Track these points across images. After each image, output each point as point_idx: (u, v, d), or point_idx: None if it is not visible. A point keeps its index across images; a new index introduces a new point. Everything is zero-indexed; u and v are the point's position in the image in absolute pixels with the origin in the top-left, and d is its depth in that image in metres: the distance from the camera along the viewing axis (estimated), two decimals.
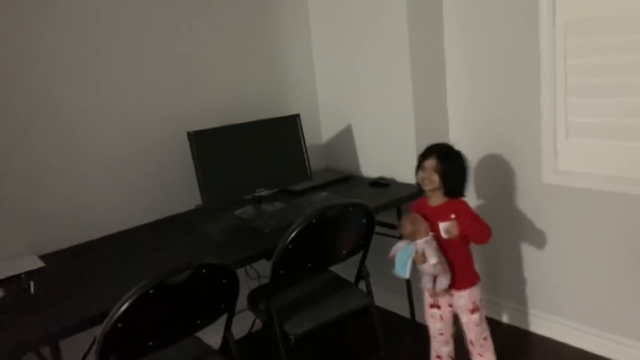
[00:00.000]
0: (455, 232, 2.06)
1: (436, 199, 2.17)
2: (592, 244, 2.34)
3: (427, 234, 2.10)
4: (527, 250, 2.58)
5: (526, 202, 2.52)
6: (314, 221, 1.93)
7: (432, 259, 2.08)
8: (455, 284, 2.18)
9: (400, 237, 2.61)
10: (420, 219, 2.12)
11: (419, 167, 2.16)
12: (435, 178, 2.11)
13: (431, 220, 2.13)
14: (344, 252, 2.14)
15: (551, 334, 2.58)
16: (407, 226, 2.11)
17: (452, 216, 2.11)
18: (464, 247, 2.19)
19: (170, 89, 2.52)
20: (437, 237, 2.12)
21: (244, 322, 2.72)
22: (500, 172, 2.57)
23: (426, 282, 2.19)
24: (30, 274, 1.92)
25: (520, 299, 2.67)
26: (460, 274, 2.17)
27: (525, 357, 2.50)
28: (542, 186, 2.44)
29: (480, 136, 2.57)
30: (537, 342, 2.59)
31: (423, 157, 2.17)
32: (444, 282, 2.15)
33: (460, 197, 2.17)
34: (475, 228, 2.11)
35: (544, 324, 2.60)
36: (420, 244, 2.08)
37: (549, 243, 2.49)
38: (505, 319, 2.75)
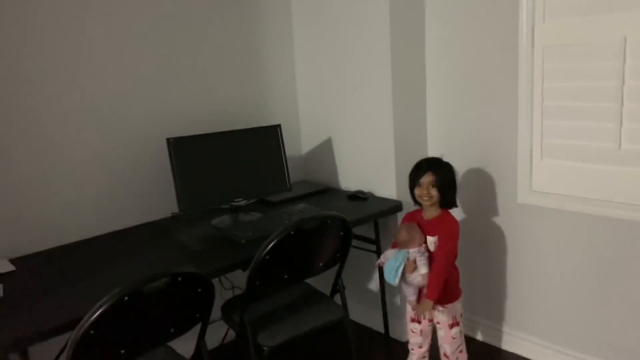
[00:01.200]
0: (433, 248, 2.16)
1: (430, 213, 2.22)
2: (563, 264, 2.39)
3: (420, 244, 2.14)
4: (501, 269, 2.62)
5: (501, 221, 2.57)
6: (292, 232, 1.93)
7: (423, 269, 2.12)
8: (440, 300, 2.20)
9: (377, 252, 2.65)
10: (416, 228, 2.17)
11: (416, 184, 2.20)
12: (435, 192, 2.17)
13: (424, 232, 2.18)
14: (320, 264, 2.14)
15: (522, 351, 2.61)
16: (403, 233, 2.14)
17: (437, 231, 2.18)
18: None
19: (150, 95, 2.50)
20: (427, 250, 2.17)
21: (216, 333, 2.70)
22: (476, 190, 2.61)
23: (410, 294, 2.21)
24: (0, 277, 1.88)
25: (493, 317, 2.70)
26: (445, 289, 2.20)
27: None
28: (516, 205, 2.49)
29: (458, 154, 2.61)
30: (509, 359, 2.62)
31: (419, 173, 2.20)
32: None
33: (454, 206, 2.24)
34: (439, 251, 2.15)
35: (515, 341, 2.64)
36: (412, 253, 2.12)
37: (523, 262, 2.53)
38: (478, 335, 2.78)
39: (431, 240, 2.18)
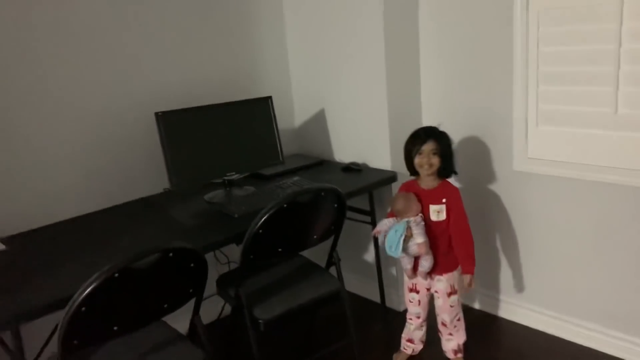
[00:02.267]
0: (444, 215, 2.17)
1: (430, 182, 2.21)
2: (560, 230, 2.38)
3: (417, 214, 2.12)
4: (498, 237, 2.61)
5: (497, 189, 2.55)
6: (285, 206, 1.91)
7: (419, 238, 2.12)
8: (437, 269, 2.21)
9: (371, 223, 2.64)
10: (413, 198, 2.16)
11: (417, 152, 2.17)
12: (436, 160, 2.16)
13: (423, 202, 2.17)
14: (315, 237, 2.12)
15: (520, 319, 2.62)
16: (400, 202, 2.14)
17: (444, 200, 2.18)
18: (449, 232, 2.23)
19: (139, 69, 2.45)
20: (425, 220, 2.15)
21: (214, 307, 2.70)
22: (472, 158, 2.58)
23: (406, 263, 2.21)
24: None
25: (490, 285, 2.70)
26: (443, 259, 2.21)
27: (493, 341, 2.54)
28: (512, 173, 2.46)
29: (453, 122, 2.56)
30: (506, 326, 2.63)
31: (419, 141, 2.18)
32: (426, 264, 2.19)
33: (454, 175, 2.24)
34: (461, 221, 2.20)
35: (512, 309, 2.64)
36: (409, 222, 2.11)
37: (519, 229, 2.52)
38: (476, 304, 2.79)
39: (435, 208, 2.18)
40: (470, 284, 2.20)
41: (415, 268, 2.23)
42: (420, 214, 2.15)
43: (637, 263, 2.18)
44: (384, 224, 2.21)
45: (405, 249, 2.15)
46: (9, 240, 2.03)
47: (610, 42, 2.05)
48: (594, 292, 2.34)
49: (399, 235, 2.11)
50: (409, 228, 2.12)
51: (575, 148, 2.25)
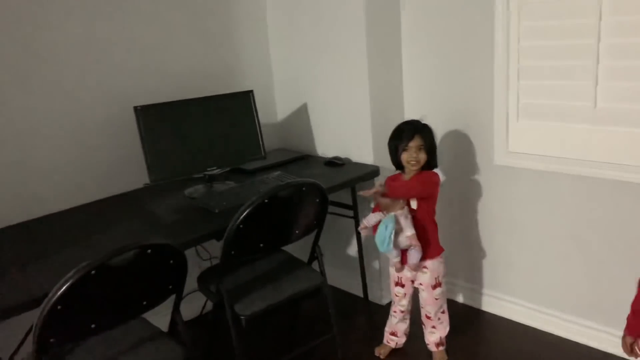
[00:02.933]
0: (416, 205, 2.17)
1: (411, 175, 2.21)
2: (540, 224, 2.40)
3: (402, 207, 2.13)
4: (480, 230, 2.62)
5: (478, 183, 2.56)
6: (266, 201, 1.90)
7: (408, 231, 2.12)
8: (423, 257, 2.21)
9: (354, 218, 2.63)
10: None
11: (404, 148, 2.16)
12: (423, 156, 2.16)
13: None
14: (297, 232, 2.11)
15: (502, 312, 2.64)
16: (384, 199, 2.12)
17: None
18: (431, 219, 2.24)
19: (118, 63, 2.41)
20: (410, 211, 2.16)
21: (196, 303, 2.68)
22: (453, 152, 2.59)
23: (393, 256, 2.21)
24: None
25: (473, 279, 2.72)
26: (427, 245, 2.21)
27: (475, 334, 2.56)
28: (493, 167, 2.47)
29: (435, 116, 2.54)
30: (488, 319, 2.65)
31: (405, 138, 2.17)
32: (416, 255, 2.18)
33: (435, 167, 2.24)
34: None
35: (495, 302, 2.66)
36: (397, 215, 2.11)
37: (500, 223, 2.54)
38: (459, 298, 2.81)
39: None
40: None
41: (403, 261, 2.24)
42: (406, 207, 2.15)
43: (615, 256, 2.21)
44: (370, 219, 2.21)
45: (395, 243, 2.15)
46: None
47: (590, 37, 2.06)
48: (573, 285, 2.36)
49: (390, 230, 2.11)
50: (397, 222, 2.12)
51: (555, 142, 2.26)
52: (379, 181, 2.21)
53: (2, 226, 2.09)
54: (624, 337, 1.70)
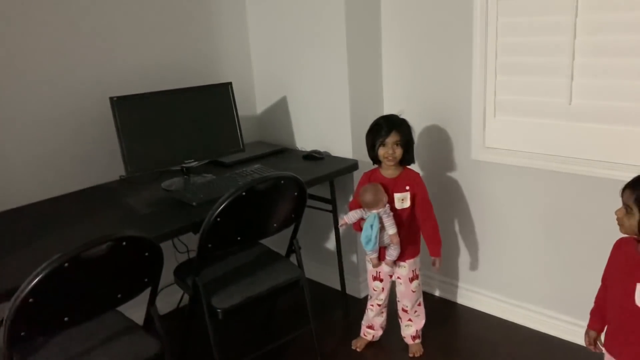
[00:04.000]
0: (408, 202, 2.19)
1: (392, 171, 2.22)
2: (516, 218, 2.43)
3: (385, 205, 2.13)
4: (456, 225, 2.65)
5: (455, 177, 2.58)
6: (243, 194, 1.89)
7: (391, 229, 2.13)
8: (401, 256, 2.23)
9: (332, 212, 2.63)
10: (382, 189, 2.15)
11: (381, 144, 2.16)
12: (399, 151, 2.17)
13: (388, 191, 2.18)
14: (274, 225, 2.10)
15: (478, 305, 2.68)
16: (369, 195, 2.12)
17: (407, 187, 2.20)
18: (414, 219, 2.25)
19: (94, 51, 2.37)
20: (392, 208, 2.16)
21: (173, 296, 2.66)
22: (431, 146, 2.61)
23: (372, 253, 2.21)
24: None
25: (449, 272, 2.74)
26: (408, 245, 2.23)
27: (451, 327, 2.59)
28: (470, 162, 2.50)
29: (414, 111, 2.56)
30: (463, 312, 2.68)
31: (382, 133, 2.17)
32: (394, 253, 2.20)
33: (413, 163, 2.26)
34: (426, 205, 2.24)
35: (471, 295, 2.70)
36: (379, 213, 2.11)
37: (477, 218, 2.57)
38: (435, 292, 2.83)
39: (399, 196, 2.19)
40: (438, 266, 2.27)
41: (380, 257, 2.24)
42: (387, 205, 2.16)
43: (586, 250, 2.24)
44: (351, 217, 2.21)
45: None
46: None
47: (566, 34, 2.08)
48: (547, 279, 2.40)
49: (376, 230, 2.11)
50: (379, 220, 2.13)
51: (530, 138, 2.29)
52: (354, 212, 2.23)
53: None
54: (587, 331, 1.74)
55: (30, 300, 1.41)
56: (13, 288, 1.44)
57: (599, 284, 1.73)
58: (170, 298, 2.62)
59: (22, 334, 1.45)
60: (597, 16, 2.02)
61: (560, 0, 2.07)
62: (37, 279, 1.38)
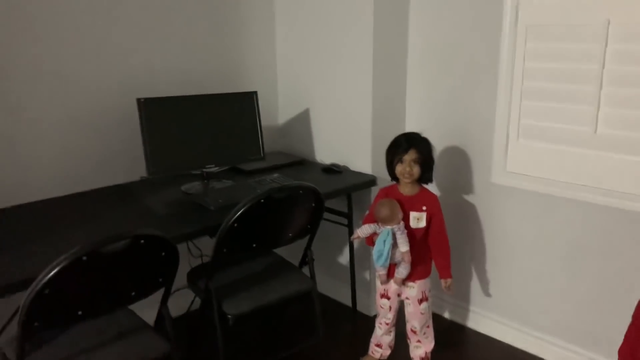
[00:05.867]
0: (424, 222, 2.18)
1: (410, 189, 2.21)
2: (532, 245, 2.40)
3: (399, 222, 2.12)
4: (471, 247, 2.62)
5: (474, 200, 2.56)
6: (262, 201, 1.90)
7: (404, 247, 2.12)
8: (411, 276, 2.21)
9: (348, 226, 2.63)
10: (398, 206, 2.14)
11: (399, 160, 2.17)
12: (417, 169, 2.16)
13: (404, 208, 2.17)
14: (290, 234, 2.11)
15: (488, 330, 2.64)
16: (385, 210, 2.12)
17: (424, 208, 2.19)
18: (426, 240, 2.24)
19: (123, 55, 2.41)
20: (406, 226, 2.15)
21: (183, 301, 2.66)
22: (451, 167, 2.60)
23: (381, 269, 2.20)
24: None
25: (461, 295, 2.71)
26: (418, 266, 2.21)
27: (460, 350, 2.55)
28: (490, 185, 2.48)
29: (435, 130, 2.57)
30: (473, 336, 2.65)
31: (401, 150, 2.17)
32: (404, 272, 2.19)
33: (430, 182, 2.25)
34: (442, 229, 2.24)
35: (481, 320, 2.66)
36: (395, 229, 2.11)
37: (492, 242, 2.54)
38: (445, 313, 2.80)
39: (415, 215, 2.18)
40: (450, 287, 2.25)
41: (390, 274, 2.23)
42: (402, 221, 2.15)
43: (604, 283, 2.21)
44: (364, 230, 2.20)
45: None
46: None
47: (594, 63, 2.08)
48: (561, 308, 2.36)
49: (389, 246, 2.10)
50: (393, 236, 2.12)
51: (553, 164, 2.27)
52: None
53: None
54: None
55: (47, 291, 1.42)
56: (30, 278, 1.45)
57: (616, 318, 1.68)
58: (180, 302, 2.63)
59: (36, 324, 1.46)
60: (627, 46, 2.01)
61: (591, 29, 2.07)
62: (54, 270, 1.40)
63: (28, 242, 1.78)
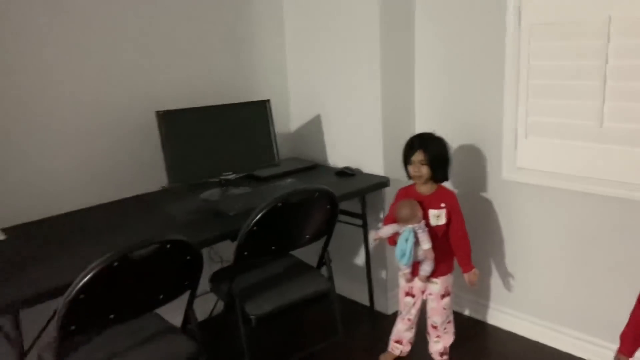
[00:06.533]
0: (444, 219, 2.24)
1: (427, 188, 2.28)
2: (545, 239, 2.45)
3: (420, 220, 2.19)
4: (485, 244, 2.67)
5: (486, 197, 2.62)
6: (279, 204, 1.97)
7: (426, 244, 2.18)
8: (435, 272, 2.27)
9: (363, 227, 2.70)
10: (418, 205, 2.21)
11: (408, 162, 2.24)
12: (425, 170, 2.23)
13: (423, 207, 2.24)
14: (307, 236, 2.18)
15: (506, 325, 2.68)
16: (405, 210, 2.18)
17: (442, 205, 2.25)
18: (447, 237, 2.31)
19: (141, 67, 2.51)
20: (426, 224, 2.22)
21: (206, 305, 2.74)
22: (462, 165, 2.65)
23: (405, 268, 2.26)
24: None
25: (479, 292, 2.76)
26: (441, 262, 2.27)
27: (479, 345, 2.60)
28: (501, 182, 2.54)
29: (446, 131, 2.59)
30: (492, 332, 2.69)
31: (410, 151, 2.25)
32: (428, 269, 2.25)
33: (446, 180, 2.31)
34: (462, 224, 2.30)
35: (500, 316, 2.71)
36: (416, 228, 2.17)
37: (506, 237, 2.59)
38: (465, 311, 2.85)
39: (434, 213, 2.25)
40: (474, 280, 2.31)
41: (414, 272, 2.29)
42: (423, 220, 2.21)
43: (617, 273, 2.25)
44: (385, 231, 2.26)
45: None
46: (9, 230, 2.07)
47: (598, 58, 2.13)
48: (578, 300, 2.40)
49: (411, 244, 2.16)
50: (415, 234, 2.18)
51: (561, 159, 2.33)
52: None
53: (26, 221, 2.18)
54: (617, 356, 1.72)
55: (82, 296, 1.50)
56: (64, 285, 1.54)
57: (630, 307, 1.72)
58: (203, 307, 2.70)
59: (72, 327, 1.54)
60: (629, 41, 2.06)
61: (593, 25, 2.12)
62: (89, 276, 1.48)
63: (60, 251, 1.87)
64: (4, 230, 2.06)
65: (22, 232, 2.07)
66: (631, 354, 1.70)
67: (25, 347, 1.67)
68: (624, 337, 1.73)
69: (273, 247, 2.10)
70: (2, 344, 1.70)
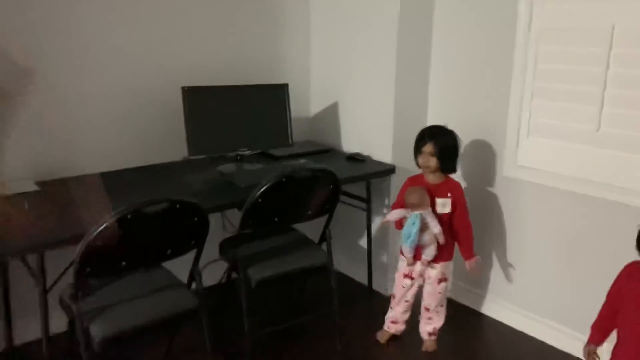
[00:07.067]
0: (449, 208, 2.38)
1: (435, 178, 2.42)
2: (541, 236, 2.55)
3: (428, 207, 2.33)
4: (485, 236, 2.77)
5: (486, 192, 2.72)
6: (283, 180, 2.14)
7: (436, 228, 2.32)
8: (435, 258, 2.41)
9: (367, 210, 2.83)
10: (426, 193, 2.36)
11: (419, 152, 2.39)
12: (434, 161, 2.36)
13: (430, 195, 2.37)
14: (309, 212, 2.34)
15: (498, 316, 2.79)
16: (415, 197, 2.33)
17: (449, 194, 2.40)
18: (451, 225, 2.44)
19: (169, 42, 2.69)
20: (433, 211, 2.36)
21: (217, 272, 2.91)
22: (466, 161, 2.76)
23: (408, 252, 2.41)
24: (26, 194, 2.15)
25: (474, 281, 2.87)
26: (442, 249, 2.40)
27: (470, 332, 2.72)
28: (502, 178, 2.64)
29: (454, 125, 2.70)
30: (483, 321, 2.80)
31: (420, 142, 2.39)
32: (432, 252, 2.39)
33: (454, 172, 2.44)
34: (466, 213, 2.43)
35: (492, 307, 2.82)
36: (424, 214, 2.32)
37: (504, 232, 2.70)
38: (460, 299, 2.95)
39: (440, 202, 2.39)
40: (474, 268, 2.44)
41: (416, 257, 2.43)
42: (429, 207, 2.35)
43: (607, 272, 2.32)
44: (394, 215, 2.41)
45: (418, 240, 2.35)
46: (43, 184, 2.30)
47: (599, 65, 2.21)
48: (567, 297, 2.49)
49: (417, 227, 2.31)
50: (423, 220, 2.32)
51: (559, 160, 2.42)
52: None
53: (57, 178, 2.40)
54: (588, 345, 1.84)
55: (98, 243, 1.71)
56: (82, 233, 1.73)
57: None
58: (214, 274, 2.88)
59: (88, 269, 1.75)
60: (630, 50, 2.14)
61: (597, 33, 2.20)
62: (104, 225, 1.68)
63: (84, 205, 2.08)
64: (38, 183, 2.29)
65: (53, 187, 2.29)
66: (599, 342, 1.83)
67: (47, 286, 1.89)
68: (592, 328, 1.86)
69: (276, 219, 2.27)
70: (27, 280, 1.92)
